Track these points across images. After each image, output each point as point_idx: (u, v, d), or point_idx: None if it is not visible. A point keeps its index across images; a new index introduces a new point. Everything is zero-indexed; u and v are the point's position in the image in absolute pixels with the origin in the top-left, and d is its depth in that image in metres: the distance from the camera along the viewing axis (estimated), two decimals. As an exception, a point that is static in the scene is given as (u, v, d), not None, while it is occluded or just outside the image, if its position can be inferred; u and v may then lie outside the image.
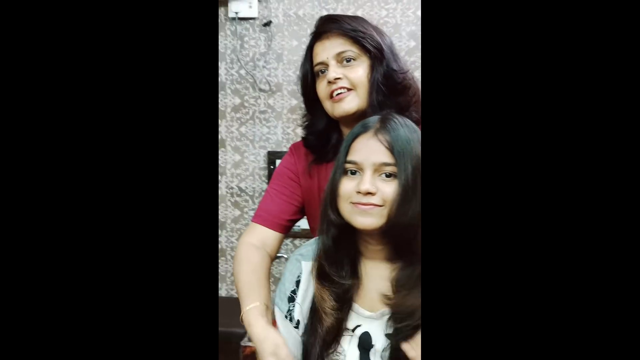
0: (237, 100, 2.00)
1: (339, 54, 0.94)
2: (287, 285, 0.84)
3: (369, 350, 0.76)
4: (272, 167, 1.95)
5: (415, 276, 0.73)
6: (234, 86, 1.99)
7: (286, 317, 0.82)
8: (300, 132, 1.09)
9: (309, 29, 1.48)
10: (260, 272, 0.94)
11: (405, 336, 0.73)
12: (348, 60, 0.94)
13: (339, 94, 0.93)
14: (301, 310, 0.81)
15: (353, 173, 0.75)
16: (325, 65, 0.95)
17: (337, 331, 0.77)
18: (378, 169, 0.73)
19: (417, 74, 0.98)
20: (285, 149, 1.91)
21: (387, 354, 0.75)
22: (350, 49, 0.94)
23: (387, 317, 0.75)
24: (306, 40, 1.02)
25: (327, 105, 0.96)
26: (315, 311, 0.78)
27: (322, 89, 0.96)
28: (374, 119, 0.78)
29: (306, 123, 1.05)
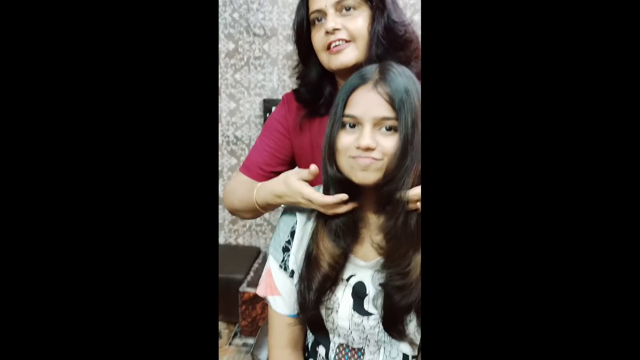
0: (231, 46, 1.93)
1: (338, 2, 0.87)
2: (282, 236, 0.83)
3: (362, 298, 0.77)
4: (267, 114, 1.92)
5: (402, 225, 0.73)
6: (227, 30, 1.92)
7: (281, 266, 0.83)
8: (294, 82, 1.03)
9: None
10: (253, 187, 0.92)
11: (397, 285, 0.73)
12: (348, 9, 0.87)
13: (336, 45, 0.87)
14: (295, 260, 0.81)
15: (352, 126, 0.72)
16: (323, 13, 0.88)
17: (334, 280, 0.78)
18: (378, 123, 0.70)
19: (417, 17, 0.94)
20: (281, 97, 1.89)
21: (379, 302, 0.75)
22: None
23: (380, 265, 0.76)
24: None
25: (323, 56, 0.91)
26: (310, 261, 0.78)
27: (318, 39, 0.90)
28: (372, 69, 0.74)
29: (298, 74, 0.99)
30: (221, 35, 1.92)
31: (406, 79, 0.73)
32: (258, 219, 2.06)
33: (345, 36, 0.87)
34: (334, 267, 0.76)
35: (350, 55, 0.88)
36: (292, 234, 0.82)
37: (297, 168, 0.88)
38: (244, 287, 1.80)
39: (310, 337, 0.88)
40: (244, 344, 1.85)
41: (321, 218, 0.78)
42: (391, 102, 0.70)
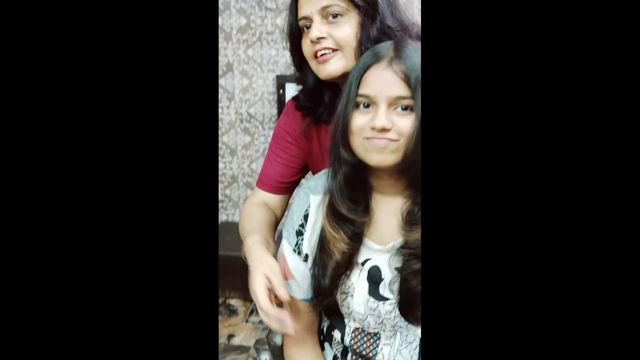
0: (243, 21, 1.90)
1: (323, 8, 0.81)
2: (295, 219, 0.81)
3: (378, 283, 0.76)
4: (281, 91, 1.89)
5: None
6: (239, 5, 1.88)
7: (294, 250, 0.81)
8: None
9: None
10: (263, 220, 0.92)
11: (414, 269, 0.72)
12: (334, 16, 0.82)
13: (323, 54, 0.83)
14: (309, 244, 0.79)
15: (366, 106, 0.69)
16: (310, 20, 0.83)
17: (348, 265, 0.76)
18: (393, 102, 0.67)
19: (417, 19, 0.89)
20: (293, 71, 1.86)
21: (396, 286, 0.74)
22: (337, 3, 0.81)
23: (397, 249, 0.74)
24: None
25: (313, 65, 0.86)
26: (322, 246, 0.76)
27: (306, 47, 0.86)
28: (386, 46, 0.71)
29: (297, 80, 0.95)
30: (233, 11, 1.88)
31: (418, 53, 0.69)
32: (221, 195, 2.09)
33: (332, 45, 0.82)
34: (346, 252, 0.74)
35: (337, 64, 0.83)
36: (306, 217, 0.80)
37: (272, 263, 0.78)
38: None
39: (326, 321, 0.87)
40: (261, 321, 1.87)
41: (329, 209, 0.76)
42: (407, 80, 0.67)
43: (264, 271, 0.74)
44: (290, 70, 1.69)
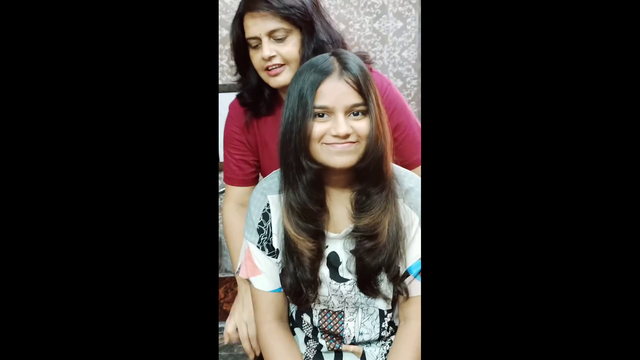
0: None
1: (271, 32, 0.97)
2: (255, 219, 0.87)
3: (337, 267, 0.85)
4: None
5: (374, 200, 0.80)
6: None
7: (258, 247, 0.87)
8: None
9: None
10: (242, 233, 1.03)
11: (367, 248, 0.81)
12: (280, 39, 0.97)
13: (273, 68, 0.98)
14: (278, 240, 0.86)
15: (321, 115, 0.76)
16: (258, 39, 0.98)
17: (320, 257, 0.84)
18: (349, 110, 0.76)
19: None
20: None
21: (352, 266, 0.84)
22: (282, 27, 0.96)
23: (350, 234, 0.83)
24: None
25: (263, 75, 1.01)
26: (291, 245, 0.83)
27: (256, 60, 1.00)
28: (327, 60, 0.78)
29: (239, 80, 1.11)
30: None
31: (359, 62, 0.79)
32: None
33: (280, 61, 0.97)
34: (314, 249, 0.82)
35: (286, 76, 0.98)
36: (265, 215, 0.87)
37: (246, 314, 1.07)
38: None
39: (293, 308, 0.95)
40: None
41: (287, 204, 0.83)
42: (359, 88, 0.76)
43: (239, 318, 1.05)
44: (222, 80, 1.75)
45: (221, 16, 1.88)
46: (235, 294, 1.88)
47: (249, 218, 0.89)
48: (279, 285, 0.87)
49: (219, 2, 1.87)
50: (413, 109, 2.01)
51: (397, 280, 0.83)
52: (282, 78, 0.99)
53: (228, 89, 1.94)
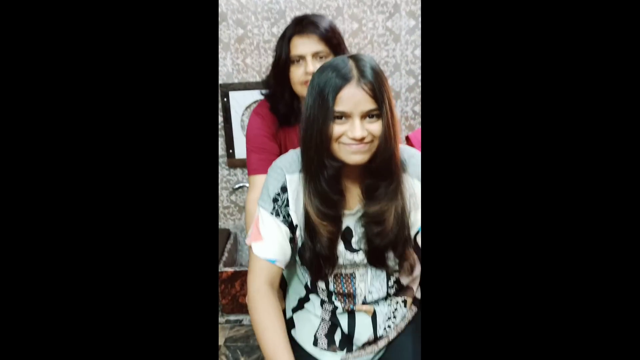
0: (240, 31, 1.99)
1: (315, 53, 1.23)
2: (272, 190, 0.95)
3: (350, 240, 0.96)
4: (225, 99, 1.96)
5: (382, 191, 0.91)
6: (235, 16, 1.97)
7: (272, 213, 0.95)
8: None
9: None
10: None
11: (375, 232, 0.92)
12: (321, 57, 1.22)
13: None
14: (296, 216, 0.95)
15: (340, 118, 0.85)
16: (303, 57, 1.23)
17: (337, 236, 0.94)
18: (365, 114, 0.85)
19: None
20: (236, 80, 1.97)
21: (363, 244, 0.95)
22: (325, 49, 1.23)
23: (360, 215, 0.94)
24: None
25: (299, 88, 1.24)
26: (312, 226, 0.93)
27: (297, 75, 1.24)
28: (345, 65, 0.85)
29: (272, 95, 1.30)
30: (229, 21, 1.97)
31: (376, 66, 0.86)
32: (226, 201, 2.15)
33: None
34: (333, 231, 0.92)
35: None
36: (283, 189, 0.95)
37: None
38: (221, 267, 1.86)
39: (307, 278, 1.04)
40: (227, 321, 1.91)
41: (309, 193, 0.92)
42: (374, 95, 0.84)
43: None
44: (232, 79, 1.81)
45: (238, 15, 1.92)
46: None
47: (265, 188, 0.97)
48: (274, 257, 0.94)
49: (235, 2, 1.90)
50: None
51: (403, 256, 0.95)
52: None
53: (244, 87, 1.98)
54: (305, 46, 1.22)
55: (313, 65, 1.20)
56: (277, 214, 0.94)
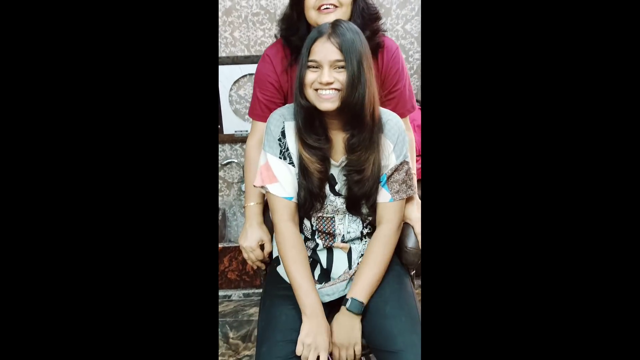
0: (228, 3, 1.94)
1: None
2: (275, 134, 1.09)
3: (334, 185, 1.10)
4: None
5: (360, 142, 1.04)
6: (226, -12, 1.92)
7: (280, 157, 1.09)
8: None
9: None
10: None
11: (355, 180, 1.06)
12: None
13: (327, 8, 1.15)
14: (295, 159, 1.09)
15: (315, 67, 1.00)
16: None
17: (326, 176, 1.08)
18: (333, 64, 0.99)
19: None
20: (224, 54, 1.96)
21: (344, 191, 1.10)
22: None
23: (344, 164, 1.08)
24: None
25: (312, 13, 1.17)
26: (305, 167, 1.07)
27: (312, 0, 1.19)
28: (326, 25, 1.02)
29: (288, 27, 1.26)
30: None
31: (351, 31, 1.00)
32: None
33: (335, 2, 1.15)
34: (321, 170, 1.07)
35: (335, 16, 1.14)
36: (283, 133, 1.09)
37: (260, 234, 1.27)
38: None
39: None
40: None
41: (300, 137, 1.06)
42: (340, 47, 0.98)
43: (248, 247, 1.25)
44: (220, 53, 1.79)
45: (224, -12, 1.88)
46: (238, 262, 1.93)
47: (268, 134, 1.10)
48: (291, 195, 1.09)
49: (222, -26, 1.86)
50: (415, 82, 2.01)
51: (374, 206, 1.10)
52: (330, 17, 1.14)
53: (232, 61, 1.95)
54: None
55: None
56: (284, 157, 1.09)
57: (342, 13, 1.16)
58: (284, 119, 1.09)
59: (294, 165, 1.09)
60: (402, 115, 1.24)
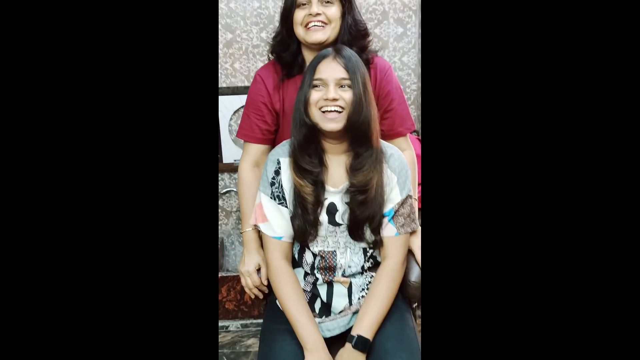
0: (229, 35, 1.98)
1: None
2: (269, 175, 1.11)
3: (334, 214, 1.10)
4: None
5: (366, 162, 1.05)
6: (224, 20, 1.97)
7: (271, 198, 1.11)
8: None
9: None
10: (256, 195, 1.21)
11: (358, 201, 1.06)
12: (327, 2, 1.19)
13: (315, 25, 1.18)
14: (287, 193, 1.10)
15: (318, 86, 1.03)
16: (309, 1, 1.20)
17: (318, 203, 1.08)
18: (338, 82, 1.02)
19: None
20: (224, 85, 1.99)
21: (346, 216, 1.09)
22: None
23: (346, 189, 1.07)
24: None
25: (300, 30, 1.21)
26: (298, 193, 1.07)
27: (299, 17, 1.21)
28: (330, 49, 1.07)
29: (279, 43, 1.30)
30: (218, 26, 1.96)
31: (355, 56, 1.06)
32: None
33: (324, 19, 1.19)
34: (312, 194, 1.06)
35: (322, 34, 1.19)
36: (277, 172, 1.10)
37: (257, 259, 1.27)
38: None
39: (295, 249, 1.17)
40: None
41: (294, 159, 1.07)
42: (346, 68, 1.02)
43: (245, 271, 1.23)
44: (220, 84, 1.81)
45: (227, 20, 1.92)
46: (236, 292, 1.91)
47: (264, 175, 1.13)
48: (281, 235, 1.10)
49: (224, 7, 1.90)
50: (413, 112, 2.04)
51: (378, 229, 1.09)
52: (318, 35, 1.19)
53: (232, 91, 1.98)
54: None
55: (317, 7, 1.19)
56: (276, 198, 1.10)
57: (331, 30, 1.19)
58: (279, 157, 1.11)
59: (285, 206, 1.10)
60: (401, 134, 1.28)
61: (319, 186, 1.07)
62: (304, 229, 1.08)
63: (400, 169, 1.09)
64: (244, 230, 1.26)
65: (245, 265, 1.25)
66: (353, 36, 1.22)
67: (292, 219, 1.09)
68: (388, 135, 1.24)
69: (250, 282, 1.25)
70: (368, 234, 1.09)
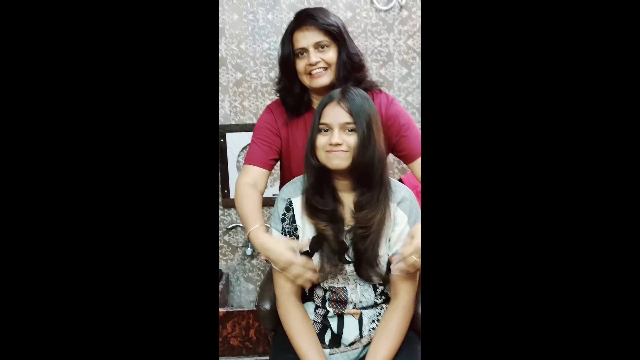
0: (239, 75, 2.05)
1: (317, 43, 1.28)
2: (280, 211, 1.15)
3: (345, 251, 1.11)
4: (222, 140, 2.03)
5: (369, 200, 1.07)
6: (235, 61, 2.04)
7: (282, 233, 1.14)
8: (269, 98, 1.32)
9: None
10: (257, 204, 1.26)
11: (360, 235, 1.07)
12: (322, 47, 1.28)
13: (317, 72, 1.28)
14: (303, 232, 1.12)
15: (325, 131, 1.07)
16: (306, 50, 1.28)
17: (338, 239, 1.09)
18: (343, 127, 1.05)
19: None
20: (233, 122, 2.04)
21: (352, 253, 1.11)
22: (325, 39, 1.28)
23: (351, 227, 1.10)
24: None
25: (305, 79, 1.30)
26: (319, 236, 1.10)
27: (301, 66, 1.30)
28: (336, 92, 1.10)
29: (282, 89, 1.37)
30: (229, 66, 2.03)
31: (360, 96, 1.08)
32: (219, 241, 2.16)
33: (324, 65, 1.28)
34: (329, 230, 1.08)
35: (326, 78, 1.28)
36: (287, 208, 1.14)
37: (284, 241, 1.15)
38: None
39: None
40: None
41: (308, 203, 1.10)
42: (350, 112, 1.05)
43: (286, 249, 1.09)
44: (230, 121, 1.85)
45: (237, 60, 1.99)
46: (241, 328, 1.89)
47: (275, 212, 1.16)
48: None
49: (235, 48, 1.97)
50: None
51: (384, 268, 1.10)
52: (322, 80, 1.27)
53: (240, 128, 2.03)
54: (306, 39, 1.27)
55: (315, 56, 1.26)
56: (285, 234, 1.13)
57: (333, 72, 1.27)
58: (290, 196, 1.14)
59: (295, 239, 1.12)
60: (409, 157, 1.31)
61: (334, 222, 1.09)
62: (327, 269, 1.09)
63: (411, 208, 1.11)
64: (251, 230, 1.16)
65: (279, 254, 1.06)
66: (348, 70, 1.28)
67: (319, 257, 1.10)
68: (410, 157, 1.30)
69: (299, 267, 1.05)
70: (374, 276, 1.11)
